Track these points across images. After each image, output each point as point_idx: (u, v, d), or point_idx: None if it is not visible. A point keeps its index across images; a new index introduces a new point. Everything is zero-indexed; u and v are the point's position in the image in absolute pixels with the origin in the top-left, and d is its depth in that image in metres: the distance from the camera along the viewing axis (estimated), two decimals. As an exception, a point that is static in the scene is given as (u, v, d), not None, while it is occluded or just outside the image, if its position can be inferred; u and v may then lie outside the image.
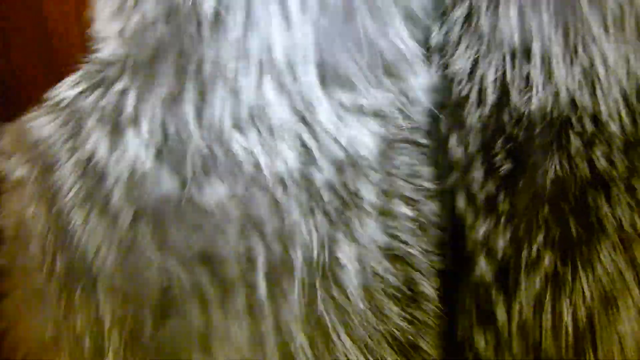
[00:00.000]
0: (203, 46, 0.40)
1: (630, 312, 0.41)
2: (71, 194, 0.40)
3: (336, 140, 0.40)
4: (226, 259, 0.40)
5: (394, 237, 0.41)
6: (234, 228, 0.40)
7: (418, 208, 0.42)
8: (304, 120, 0.40)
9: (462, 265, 0.44)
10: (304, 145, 0.40)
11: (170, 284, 0.40)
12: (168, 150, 0.40)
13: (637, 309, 0.41)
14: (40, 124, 0.42)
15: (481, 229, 0.43)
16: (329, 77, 0.40)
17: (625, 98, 0.40)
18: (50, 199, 0.41)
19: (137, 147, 0.40)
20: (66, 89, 0.42)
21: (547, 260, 0.42)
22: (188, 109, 0.40)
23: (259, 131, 0.40)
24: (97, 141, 0.40)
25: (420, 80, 0.42)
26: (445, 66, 0.43)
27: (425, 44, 0.43)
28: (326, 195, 0.40)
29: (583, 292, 0.41)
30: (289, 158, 0.40)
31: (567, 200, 0.41)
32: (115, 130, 0.41)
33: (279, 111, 0.40)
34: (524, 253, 0.42)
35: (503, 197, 0.42)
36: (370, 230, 0.41)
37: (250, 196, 0.40)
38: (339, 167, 0.40)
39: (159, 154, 0.40)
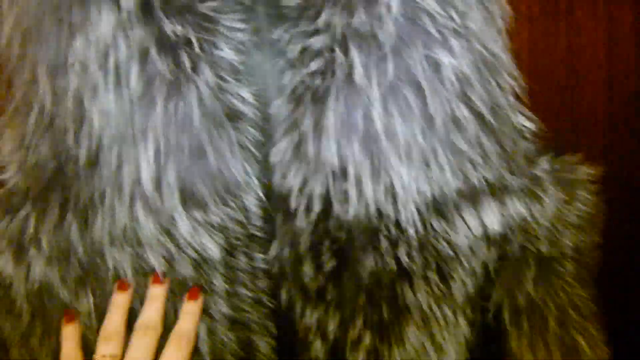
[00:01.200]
0: (80, 182, 0.50)
1: None
2: None
3: (192, 247, 0.50)
4: None
5: (236, 310, 0.53)
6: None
7: (256, 288, 0.53)
8: (168, 233, 0.50)
9: (295, 349, 0.53)
10: (168, 251, 0.50)
11: None
12: (58, 263, 0.52)
13: None
14: None
15: (314, 315, 0.52)
16: (188, 199, 0.49)
17: (418, 209, 0.50)
18: None
19: (36, 262, 0.52)
20: None
21: (367, 339, 0.51)
22: (73, 231, 0.51)
23: (130, 245, 0.50)
24: (5, 260, 0.53)
25: (252, 202, 0.52)
26: (282, 182, 0.52)
27: (264, 163, 0.52)
28: (189, 285, 0.51)
29: None
30: (155, 265, 0.50)
31: (381, 290, 0.51)
32: (19, 250, 0.53)
33: (147, 228, 0.49)
34: (350, 334, 0.51)
35: (331, 288, 0.52)
36: (221, 307, 0.52)
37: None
38: (195, 265, 0.51)
39: (52, 266, 0.52)
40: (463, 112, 0.50)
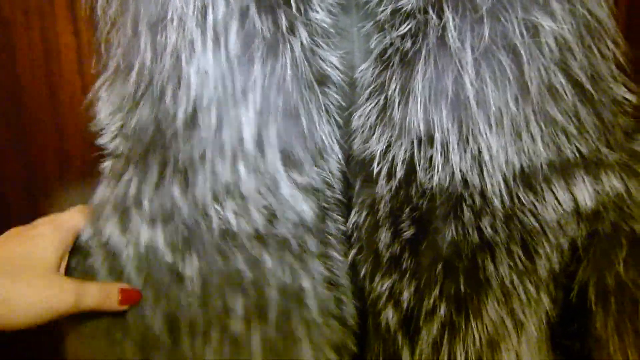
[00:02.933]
0: (179, 142, 0.50)
1: (510, 355, 0.51)
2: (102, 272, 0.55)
3: (292, 208, 0.51)
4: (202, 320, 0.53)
5: (330, 271, 0.53)
6: (206, 295, 0.52)
7: (343, 252, 0.54)
8: (269, 191, 0.50)
9: (366, 315, 0.53)
10: (269, 208, 0.51)
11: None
12: (164, 225, 0.52)
13: (515, 352, 0.51)
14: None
15: (385, 283, 0.51)
16: (287, 160, 0.50)
17: (505, 180, 0.48)
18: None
19: (140, 225, 0.53)
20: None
21: (442, 310, 0.50)
22: (175, 191, 0.51)
23: (233, 200, 0.50)
24: (112, 228, 0.54)
25: (334, 165, 0.52)
26: (364, 147, 0.51)
27: (347, 127, 0.52)
28: (292, 243, 0.52)
29: (474, 338, 0.50)
30: (258, 219, 0.51)
31: (460, 261, 0.50)
32: (124, 215, 0.54)
33: (249, 186, 0.50)
34: (424, 304, 0.50)
35: (407, 256, 0.51)
36: (316, 266, 0.53)
37: (227, 259, 0.52)
38: (295, 225, 0.51)
39: (156, 228, 0.53)
40: (561, 80, 0.48)
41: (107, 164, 0.57)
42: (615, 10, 0.50)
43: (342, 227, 0.54)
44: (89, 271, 0.55)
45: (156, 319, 0.54)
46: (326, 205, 0.52)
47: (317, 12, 0.50)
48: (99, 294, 0.52)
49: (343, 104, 0.52)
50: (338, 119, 0.52)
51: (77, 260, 0.56)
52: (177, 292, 0.53)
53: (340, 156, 0.52)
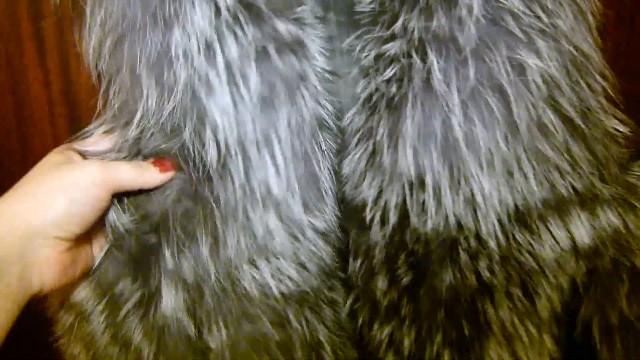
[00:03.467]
0: (213, 189, 0.48)
1: None
2: (105, 337, 0.51)
3: (316, 255, 0.50)
4: None
5: (338, 315, 0.54)
6: None
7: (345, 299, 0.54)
8: (296, 239, 0.49)
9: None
10: (299, 260, 0.50)
11: None
12: (191, 293, 0.49)
13: None
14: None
15: (385, 330, 0.50)
16: (306, 206, 0.49)
17: (499, 221, 0.47)
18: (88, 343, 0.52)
19: (165, 293, 0.49)
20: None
21: (446, 357, 0.49)
22: (204, 252, 0.48)
23: (267, 260, 0.49)
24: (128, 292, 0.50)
25: (332, 210, 0.51)
26: (355, 192, 0.50)
27: (339, 174, 0.51)
28: (311, 295, 0.51)
29: None
30: (293, 276, 0.49)
31: (460, 305, 0.49)
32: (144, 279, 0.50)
33: (280, 237, 0.48)
34: (427, 351, 0.49)
35: (406, 303, 0.50)
36: (329, 314, 0.53)
37: (255, 323, 0.49)
38: (318, 274, 0.51)
39: (178, 298, 0.49)
40: (550, 117, 0.47)
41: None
42: (601, 44, 0.50)
43: (341, 274, 0.53)
44: (88, 336, 0.52)
45: None
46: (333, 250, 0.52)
47: (317, 58, 0.49)
48: (133, 169, 0.48)
49: (336, 150, 0.51)
50: (332, 165, 0.51)
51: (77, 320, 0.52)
52: None
53: (334, 202, 0.51)
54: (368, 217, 0.50)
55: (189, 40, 0.46)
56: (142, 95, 0.47)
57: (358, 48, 0.50)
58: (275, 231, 0.48)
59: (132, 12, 0.47)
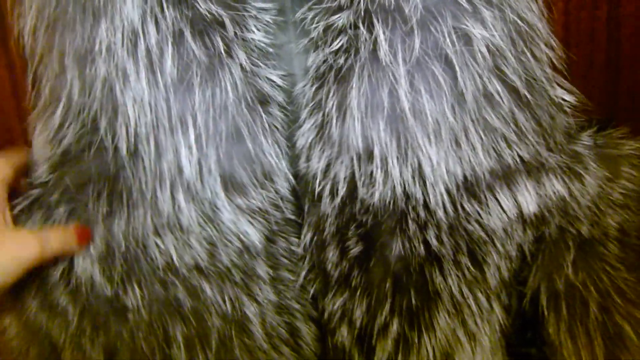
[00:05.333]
0: (120, 173, 0.49)
1: None
2: (34, 305, 0.53)
3: (235, 234, 0.50)
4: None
5: (281, 295, 0.52)
6: (148, 324, 0.51)
7: (297, 272, 0.53)
8: (209, 219, 0.49)
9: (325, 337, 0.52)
10: (209, 239, 0.50)
11: None
12: (105, 259, 0.51)
13: None
14: None
15: (337, 301, 0.51)
16: (229, 185, 0.49)
17: (447, 190, 0.48)
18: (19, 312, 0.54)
19: (77, 261, 0.51)
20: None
21: (395, 325, 0.50)
22: (116, 225, 0.50)
23: (172, 233, 0.49)
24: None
25: (284, 185, 0.51)
26: (307, 165, 0.51)
27: (291, 146, 0.51)
28: (233, 272, 0.51)
29: (427, 351, 0.50)
30: (199, 252, 0.50)
31: (409, 275, 0.49)
32: None
33: (189, 216, 0.49)
34: (377, 320, 0.50)
35: (356, 274, 0.50)
36: (264, 292, 0.52)
37: (167, 288, 0.50)
38: (239, 252, 0.50)
39: (94, 265, 0.51)
40: (496, 86, 0.47)
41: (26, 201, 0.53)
42: (548, 13, 0.50)
43: (295, 249, 0.53)
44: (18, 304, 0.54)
45: (94, 352, 0.52)
46: (276, 227, 0.52)
47: (254, 32, 0.49)
48: (62, 237, 0.50)
49: (288, 122, 0.51)
50: (283, 138, 0.51)
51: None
52: (117, 324, 0.51)
53: (289, 176, 0.51)
54: (318, 190, 0.50)
55: (114, 35, 0.46)
56: (66, 85, 0.49)
57: (308, 19, 0.49)
58: (185, 210, 0.49)
59: (65, 0, 0.47)
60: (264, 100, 0.50)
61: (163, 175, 0.48)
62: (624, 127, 0.55)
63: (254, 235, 0.50)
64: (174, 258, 0.49)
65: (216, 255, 0.50)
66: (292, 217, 0.52)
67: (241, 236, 0.50)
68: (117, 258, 0.50)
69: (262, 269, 0.51)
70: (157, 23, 0.46)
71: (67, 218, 0.51)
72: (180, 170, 0.48)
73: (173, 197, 0.48)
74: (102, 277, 0.51)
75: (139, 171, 0.48)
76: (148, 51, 0.47)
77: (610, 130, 0.55)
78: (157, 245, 0.49)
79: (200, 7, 0.47)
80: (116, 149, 0.48)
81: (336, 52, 0.48)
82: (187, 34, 0.47)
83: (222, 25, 0.47)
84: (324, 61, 0.49)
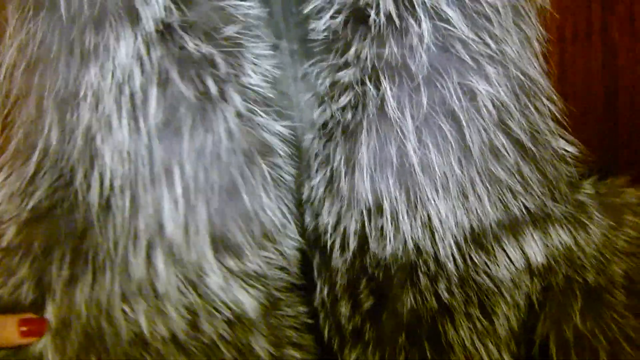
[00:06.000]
0: (90, 233, 0.45)
1: None
2: None
3: (223, 302, 0.46)
4: None
5: None
6: None
7: (303, 347, 0.51)
8: (192, 285, 0.45)
9: None
10: (190, 308, 0.45)
11: None
12: (61, 333, 0.46)
13: None
14: None
15: (352, 356, 0.51)
16: (220, 246, 0.45)
17: (456, 243, 0.48)
18: None
19: None
20: None
21: None
22: (81, 291, 0.45)
23: (145, 300, 0.45)
24: None
25: (291, 242, 0.49)
26: (315, 221, 0.51)
27: (297, 201, 0.51)
28: (221, 347, 0.47)
29: None
30: (176, 319, 0.45)
31: (421, 327, 0.50)
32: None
33: (167, 281, 0.44)
34: None
35: (369, 328, 0.50)
36: None
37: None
38: (228, 323, 0.47)
39: (52, 339, 0.46)
40: (502, 140, 0.48)
41: None
42: (547, 68, 0.52)
43: (301, 318, 0.51)
44: None
45: None
46: (278, 294, 0.49)
47: (250, 76, 0.46)
48: (8, 331, 0.44)
49: (295, 175, 0.50)
50: (289, 194, 0.49)
51: None
52: None
53: (296, 233, 0.49)
54: (329, 244, 0.50)
55: (104, 80, 0.43)
56: (44, 130, 0.45)
57: (313, 75, 0.50)
58: (163, 274, 0.44)
59: (49, 38, 0.44)
60: (265, 151, 0.47)
61: (138, 234, 0.44)
62: (624, 176, 0.57)
63: (248, 304, 0.46)
64: (144, 328, 0.45)
65: (199, 326, 0.46)
66: (297, 281, 0.51)
67: (231, 305, 0.46)
68: (74, 331, 0.45)
69: (260, 345, 0.48)
70: (142, 64, 0.43)
71: (22, 286, 0.46)
72: (161, 228, 0.44)
73: (149, 259, 0.44)
74: (55, 355, 0.45)
75: (108, 230, 0.44)
76: (131, 95, 0.43)
77: (611, 179, 0.56)
78: (124, 313, 0.45)
79: (188, 45, 0.44)
80: (88, 205, 0.44)
81: (343, 108, 0.49)
82: (174, 73, 0.43)
83: (214, 64, 0.44)
84: (332, 116, 0.49)
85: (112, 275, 0.44)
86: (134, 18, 0.43)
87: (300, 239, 0.50)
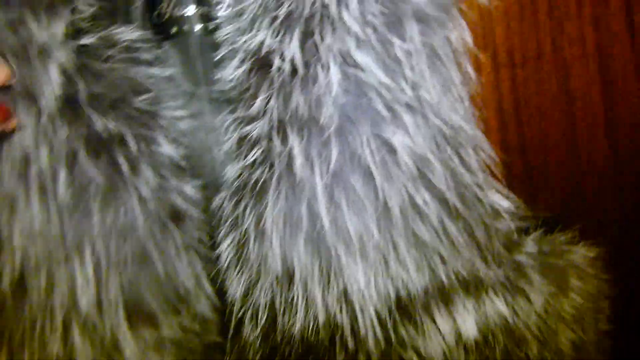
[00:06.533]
0: (6, 313, 0.43)
1: None
2: None
3: None
4: None
5: None
6: None
7: None
8: (109, 357, 0.44)
9: None
10: None
11: None
12: None
13: None
14: None
15: None
16: (134, 314, 0.44)
17: (378, 314, 0.43)
18: None
19: None
20: None
21: None
22: None
23: None
24: None
25: (205, 308, 0.47)
26: (229, 289, 0.46)
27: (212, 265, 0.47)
28: None
29: None
30: None
31: None
32: None
33: (85, 354, 0.43)
34: None
35: None
36: None
37: None
38: None
39: None
40: (424, 196, 0.43)
41: None
42: (475, 112, 0.47)
43: None
44: None
45: None
46: (192, 356, 0.46)
47: (161, 145, 0.46)
48: None
49: (208, 238, 0.47)
50: (199, 259, 0.47)
51: None
52: None
53: (212, 297, 0.47)
54: (239, 316, 0.45)
55: (3, 161, 0.42)
56: None
57: (224, 128, 0.46)
58: (80, 347, 0.43)
59: None
60: (176, 217, 0.46)
61: (54, 311, 0.43)
62: (573, 229, 0.51)
63: None
64: None
65: None
66: (217, 339, 0.47)
67: None
68: None
69: None
70: (50, 143, 0.42)
71: None
72: (75, 304, 0.43)
73: (66, 336, 0.43)
74: None
75: (24, 309, 0.43)
76: (40, 173, 0.42)
77: (556, 234, 0.51)
78: None
79: (95, 124, 0.43)
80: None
81: (252, 164, 0.44)
82: (82, 154, 0.43)
83: (124, 143, 0.44)
84: (240, 175, 0.45)
85: (31, 352, 0.43)
86: (32, 97, 0.42)
87: (217, 302, 0.47)
